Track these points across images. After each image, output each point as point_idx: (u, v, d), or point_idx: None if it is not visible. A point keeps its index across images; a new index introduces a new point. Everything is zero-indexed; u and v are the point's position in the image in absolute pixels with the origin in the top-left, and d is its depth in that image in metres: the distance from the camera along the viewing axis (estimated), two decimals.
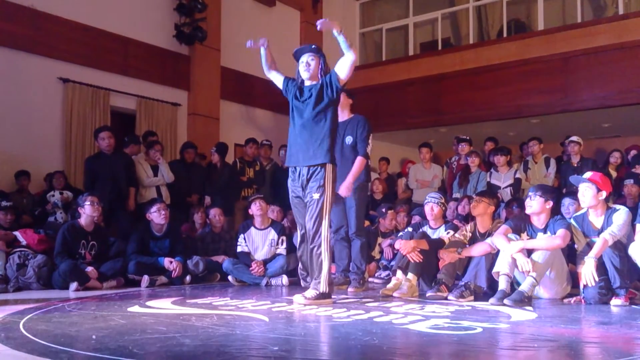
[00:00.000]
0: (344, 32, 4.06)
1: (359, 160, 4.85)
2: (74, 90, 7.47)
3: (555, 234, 4.37)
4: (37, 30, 7.22)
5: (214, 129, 9.18)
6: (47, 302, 4.26)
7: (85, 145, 7.48)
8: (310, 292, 4.06)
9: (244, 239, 5.87)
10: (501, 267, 4.33)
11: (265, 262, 5.76)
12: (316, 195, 4.10)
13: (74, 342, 2.76)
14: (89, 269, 5.20)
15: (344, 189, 4.70)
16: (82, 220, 5.48)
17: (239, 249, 5.85)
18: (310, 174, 4.15)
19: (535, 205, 4.52)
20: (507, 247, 4.31)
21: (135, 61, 8.28)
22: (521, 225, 4.58)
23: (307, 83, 4.25)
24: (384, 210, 6.66)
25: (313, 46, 4.27)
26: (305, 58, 4.22)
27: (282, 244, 5.87)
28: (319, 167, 4.12)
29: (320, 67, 4.22)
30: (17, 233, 5.60)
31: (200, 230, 6.67)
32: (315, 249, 4.11)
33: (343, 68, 4.15)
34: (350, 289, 5.02)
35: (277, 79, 4.43)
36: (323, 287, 4.07)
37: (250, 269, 5.65)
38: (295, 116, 4.26)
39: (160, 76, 8.62)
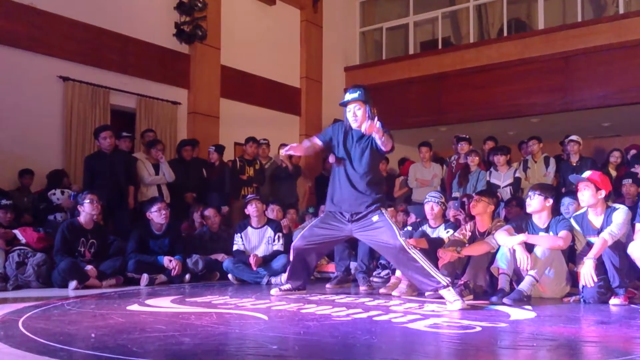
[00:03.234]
0: (382, 134, 3.94)
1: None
2: (73, 89, 7.46)
3: (557, 234, 4.38)
4: (37, 29, 7.21)
5: (214, 128, 9.18)
6: (46, 300, 4.25)
7: (85, 144, 7.47)
8: (447, 294, 3.92)
9: (241, 237, 5.92)
10: (500, 263, 4.34)
11: (265, 259, 5.78)
12: (375, 217, 4.09)
13: (73, 341, 2.76)
14: (89, 267, 5.20)
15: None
16: (82, 218, 5.48)
17: (235, 247, 5.91)
18: (360, 215, 4.14)
19: (535, 204, 4.54)
20: (508, 240, 4.33)
21: (135, 60, 8.27)
22: (522, 225, 4.59)
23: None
24: None
25: (358, 93, 4.18)
26: (352, 107, 4.19)
27: (278, 240, 5.90)
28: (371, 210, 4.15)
29: (367, 115, 4.16)
30: (16, 231, 5.59)
31: (199, 229, 6.67)
32: (405, 259, 4.00)
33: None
34: (363, 288, 5.13)
35: (318, 145, 4.37)
36: (442, 280, 3.96)
37: (250, 264, 5.67)
38: (344, 163, 4.22)
39: (160, 75, 8.61)
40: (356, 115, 4.17)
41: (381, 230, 4.07)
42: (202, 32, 8.70)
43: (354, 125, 4.21)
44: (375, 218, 4.09)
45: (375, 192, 4.16)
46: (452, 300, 3.87)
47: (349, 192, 4.16)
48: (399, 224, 6.07)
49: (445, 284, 3.95)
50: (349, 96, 4.20)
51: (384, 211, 4.14)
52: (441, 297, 4.04)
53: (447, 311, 3.74)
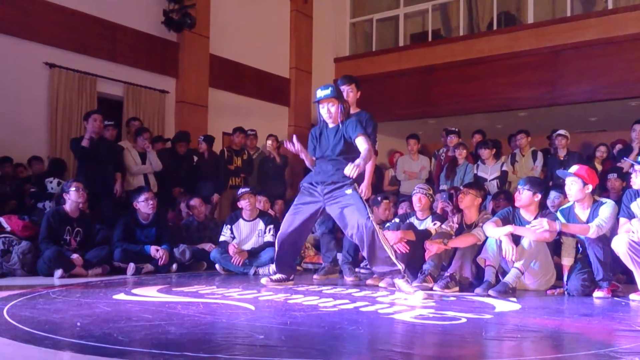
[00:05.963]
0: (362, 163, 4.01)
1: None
2: (60, 76, 7.37)
3: None
4: (24, 14, 7.10)
5: (202, 117, 9.12)
6: (31, 288, 4.22)
7: (71, 132, 7.38)
8: (402, 285, 4.02)
9: (231, 229, 5.90)
10: (487, 254, 4.37)
11: (254, 251, 5.78)
12: (349, 190, 4.16)
13: (58, 329, 2.74)
14: (74, 256, 5.16)
15: (366, 190, 4.66)
16: (67, 206, 5.43)
17: (221, 239, 5.89)
18: (334, 186, 4.22)
19: (524, 198, 4.57)
20: (495, 231, 4.36)
21: (122, 47, 8.19)
22: (510, 216, 4.63)
23: (331, 126, 4.37)
24: (379, 199, 6.54)
25: (330, 90, 4.29)
26: (325, 105, 4.31)
27: (269, 232, 5.89)
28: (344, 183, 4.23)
29: (340, 110, 4.31)
30: (1, 219, 5.53)
31: (186, 219, 6.64)
32: (369, 241, 4.03)
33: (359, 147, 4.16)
34: (350, 279, 5.18)
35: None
36: (400, 265, 4.06)
37: (232, 260, 5.66)
38: (320, 152, 4.37)
39: (148, 63, 8.53)
40: (330, 112, 4.31)
41: (351, 205, 4.11)
42: (191, 20, 8.61)
43: (329, 122, 4.36)
44: (348, 191, 4.16)
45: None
46: (410, 291, 3.96)
47: (325, 168, 4.29)
48: (390, 216, 6.10)
49: (400, 270, 4.05)
50: (321, 93, 4.32)
51: (357, 187, 4.24)
52: (424, 289, 4.09)
53: (434, 303, 3.76)
